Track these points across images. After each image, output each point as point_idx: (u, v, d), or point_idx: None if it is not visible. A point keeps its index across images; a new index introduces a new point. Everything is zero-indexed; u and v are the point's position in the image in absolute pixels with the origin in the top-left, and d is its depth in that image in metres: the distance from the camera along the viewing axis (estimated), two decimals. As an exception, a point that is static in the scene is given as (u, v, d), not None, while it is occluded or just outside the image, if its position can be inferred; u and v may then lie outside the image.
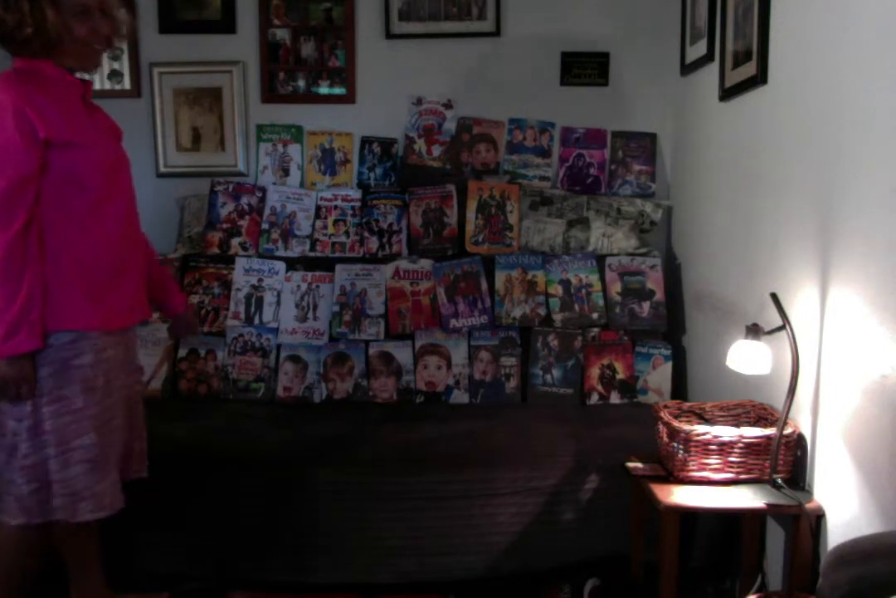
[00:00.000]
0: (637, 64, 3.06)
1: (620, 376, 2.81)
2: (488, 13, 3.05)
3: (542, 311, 2.87)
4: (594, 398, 2.80)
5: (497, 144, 3.12)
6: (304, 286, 2.93)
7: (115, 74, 3.13)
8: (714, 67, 2.50)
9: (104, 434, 1.78)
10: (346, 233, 3.01)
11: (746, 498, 1.81)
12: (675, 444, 1.90)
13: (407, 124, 3.13)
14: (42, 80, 1.72)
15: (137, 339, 2.01)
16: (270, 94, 3.14)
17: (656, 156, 3.10)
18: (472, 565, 2.20)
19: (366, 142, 3.14)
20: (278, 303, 2.91)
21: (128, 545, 2.20)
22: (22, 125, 1.64)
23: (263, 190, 3.06)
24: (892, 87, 1.49)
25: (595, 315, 2.86)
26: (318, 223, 3.02)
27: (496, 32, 3.05)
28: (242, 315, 2.89)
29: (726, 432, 1.87)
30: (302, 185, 3.14)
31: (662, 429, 1.98)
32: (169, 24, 3.10)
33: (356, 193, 3.06)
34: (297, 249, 2.99)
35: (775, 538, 2.01)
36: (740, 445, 1.86)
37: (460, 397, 2.82)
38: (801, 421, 1.88)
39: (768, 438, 1.84)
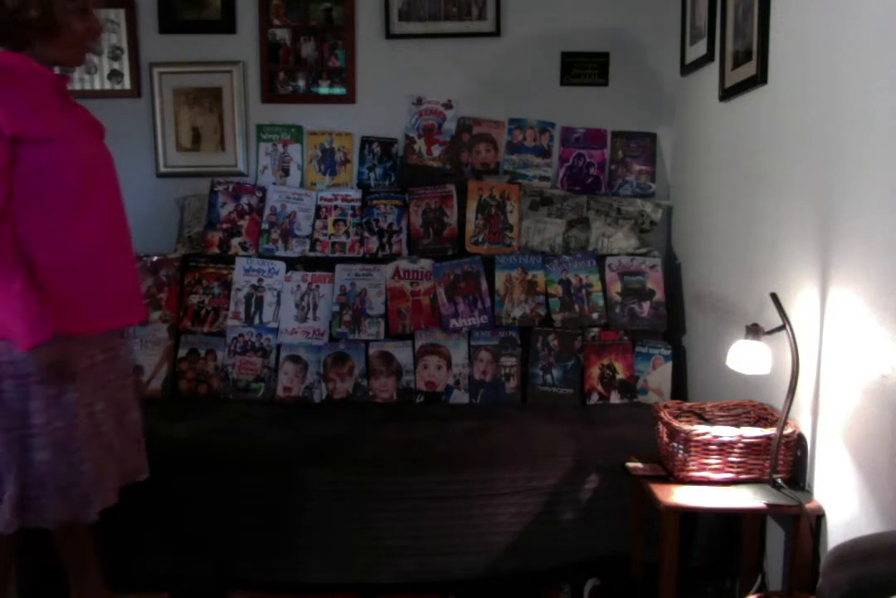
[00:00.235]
0: (637, 64, 3.06)
1: (620, 376, 2.81)
2: (488, 13, 3.05)
3: (542, 311, 2.87)
4: (594, 398, 2.80)
5: (497, 144, 3.12)
6: (304, 286, 2.93)
7: (115, 74, 3.13)
8: (714, 67, 2.50)
9: (67, 448, 1.72)
10: (346, 233, 3.01)
11: (746, 498, 1.81)
12: (675, 444, 1.90)
13: (407, 124, 3.13)
14: (10, 75, 1.65)
15: (125, 343, 1.92)
16: (270, 94, 3.14)
17: (656, 156, 3.10)
18: (472, 565, 2.20)
19: (366, 142, 3.14)
20: (278, 303, 2.91)
21: (128, 545, 2.20)
22: None
23: (263, 190, 3.06)
24: (892, 87, 1.49)
25: (595, 315, 2.86)
26: (318, 223, 3.02)
27: (496, 32, 3.05)
28: (242, 315, 2.89)
29: (726, 432, 1.87)
30: (302, 185, 3.15)
31: (662, 429, 1.98)
32: (169, 24, 3.10)
33: (356, 193, 3.06)
34: (297, 249, 2.99)
35: (775, 538, 2.01)
36: (740, 445, 1.86)
37: (460, 397, 2.82)
38: (801, 421, 1.88)
39: (768, 438, 1.84)
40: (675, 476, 1.91)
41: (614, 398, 2.79)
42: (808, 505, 1.76)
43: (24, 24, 1.66)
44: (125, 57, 3.12)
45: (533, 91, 3.10)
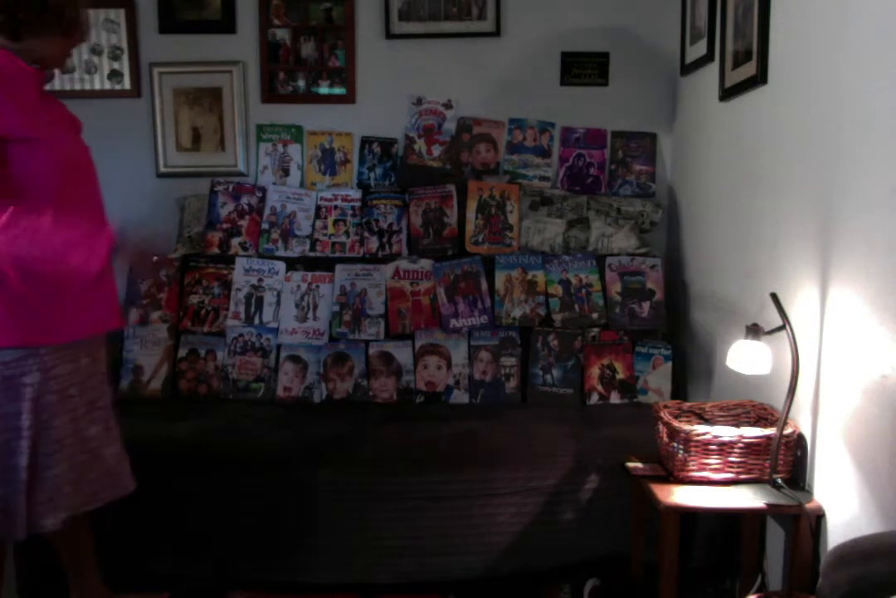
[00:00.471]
0: (637, 64, 3.06)
1: (620, 376, 2.81)
2: (488, 13, 3.05)
3: (542, 311, 2.87)
4: (594, 398, 2.80)
5: (497, 144, 3.12)
6: (304, 286, 2.93)
7: (115, 74, 3.13)
8: (714, 67, 2.50)
9: (46, 454, 1.70)
10: (346, 233, 3.01)
11: (746, 498, 1.81)
12: (675, 444, 1.90)
13: (407, 124, 3.13)
14: None
15: (104, 348, 1.87)
16: (270, 94, 3.14)
17: (656, 156, 3.10)
18: (472, 565, 2.20)
19: (366, 142, 3.14)
20: (278, 303, 2.91)
21: (128, 545, 2.20)
22: None
23: (263, 190, 3.06)
24: (892, 87, 1.49)
25: (595, 315, 2.86)
26: (318, 223, 3.02)
27: (496, 32, 3.05)
28: (242, 315, 2.89)
29: (726, 432, 1.87)
30: (302, 185, 3.14)
31: (662, 429, 1.98)
32: (169, 24, 3.10)
33: (356, 193, 3.05)
34: (297, 249, 2.99)
35: (775, 538, 2.01)
36: (740, 445, 1.86)
37: (460, 397, 2.82)
38: (801, 421, 1.88)
39: (768, 438, 1.84)
40: (675, 476, 1.91)
41: (614, 398, 2.79)
42: (808, 505, 1.76)
43: (38, 9, 1.65)
44: (125, 57, 3.11)
45: (533, 91, 3.10)
